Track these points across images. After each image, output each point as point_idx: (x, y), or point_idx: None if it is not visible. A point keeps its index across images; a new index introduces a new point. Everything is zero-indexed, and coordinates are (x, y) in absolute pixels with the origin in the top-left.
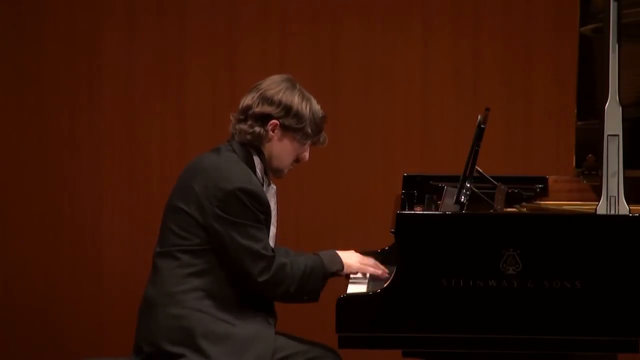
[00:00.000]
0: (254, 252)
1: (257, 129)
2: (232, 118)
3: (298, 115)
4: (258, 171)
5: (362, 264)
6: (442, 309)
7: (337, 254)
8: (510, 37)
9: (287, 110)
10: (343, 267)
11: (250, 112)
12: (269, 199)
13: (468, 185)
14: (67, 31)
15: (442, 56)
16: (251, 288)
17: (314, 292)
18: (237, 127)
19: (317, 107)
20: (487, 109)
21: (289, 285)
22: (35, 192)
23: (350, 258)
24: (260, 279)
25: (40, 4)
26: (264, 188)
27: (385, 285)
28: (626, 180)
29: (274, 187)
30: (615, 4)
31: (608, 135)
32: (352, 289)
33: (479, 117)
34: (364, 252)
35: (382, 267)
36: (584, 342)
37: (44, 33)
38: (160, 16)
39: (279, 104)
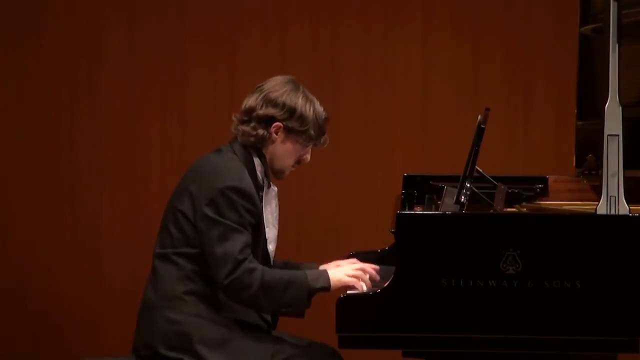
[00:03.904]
0: (224, 253)
1: (261, 131)
2: (234, 119)
3: (302, 118)
4: (258, 173)
5: (349, 276)
6: (442, 309)
7: (325, 271)
8: (510, 37)
9: (291, 112)
10: (329, 284)
11: (254, 114)
12: (269, 201)
13: (468, 185)
14: (67, 31)
15: (442, 56)
16: (220, 291)
17: (293, 305)
18: (239, 128)
19: (320, 109)
20: (487, 109)
21: (257, 292)
22: (35, 192)
23: (338, 274)
24: (225, 281)
25: (40, 4)
26: (265, 190)
27: (385, 285)
28: (626, 180)
29: (275, 188)
30: (615, 4)
31: (608, 135)
32: (352, 289)
33: (479, 117)
34: (364, 253)
35: (370, 270)
36: (584, 342)
37: (44, 33)
38: (160, 16)
39: (283, 106)
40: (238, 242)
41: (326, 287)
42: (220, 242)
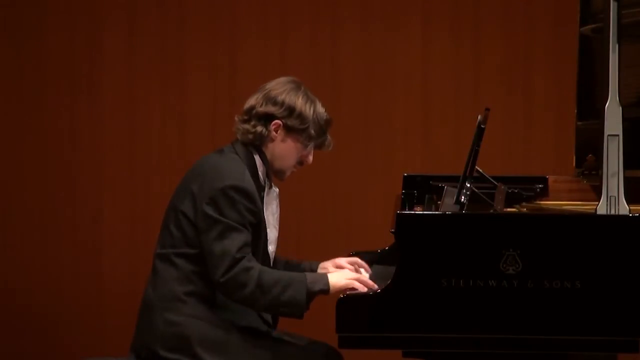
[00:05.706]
0: (222, 251)
1: (260, 128)
2: (236, 119)
3: (301, 116)
4: (260, 173)
5: (348, 279)
6: (442, 309)
7: (325, 275)
8: (510, 37)
9: (291, 110)
10: (328, 287)
11: (254, 112)
12: (270, 201)
13: (468, 185)
14: (67, 31)
15: (442, 56)
16: (216, 289)
17: (291, 306)
18: (240, 126)
19: (321, 109)
20: (487, 109)
21: (253, 291)
22: (36, 192)
23: (338, 278)
24: (221, 279)
25: (40, 4)
26: (266, 190)
27: (385, 285)
28: (626, 180)
29: (276, 189)
30: (615, 4)
31: (608, 135)
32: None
33: (479, 117)
34: (364, 253)
35: (370, 282)
36: (584, 342)
37: (44, 32)
38: (160, 16)
39: (282, 104)
40: (237, 240)
41: (325, 290)
42: (219, 240)
